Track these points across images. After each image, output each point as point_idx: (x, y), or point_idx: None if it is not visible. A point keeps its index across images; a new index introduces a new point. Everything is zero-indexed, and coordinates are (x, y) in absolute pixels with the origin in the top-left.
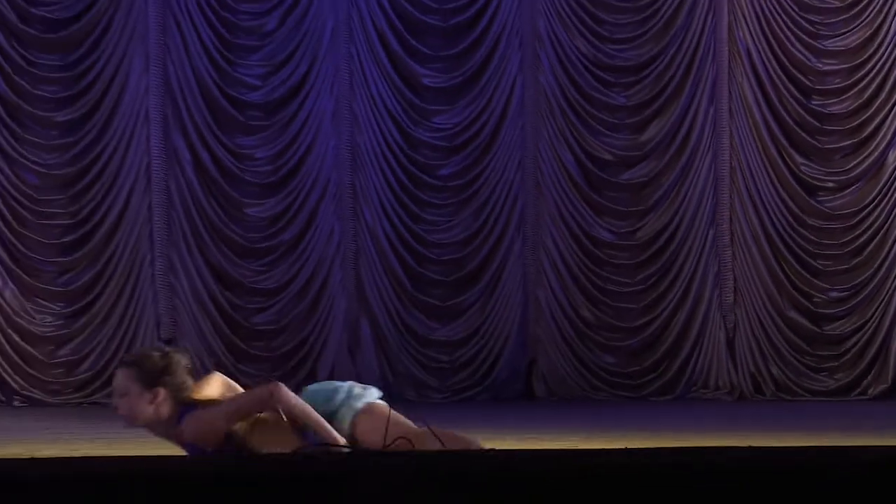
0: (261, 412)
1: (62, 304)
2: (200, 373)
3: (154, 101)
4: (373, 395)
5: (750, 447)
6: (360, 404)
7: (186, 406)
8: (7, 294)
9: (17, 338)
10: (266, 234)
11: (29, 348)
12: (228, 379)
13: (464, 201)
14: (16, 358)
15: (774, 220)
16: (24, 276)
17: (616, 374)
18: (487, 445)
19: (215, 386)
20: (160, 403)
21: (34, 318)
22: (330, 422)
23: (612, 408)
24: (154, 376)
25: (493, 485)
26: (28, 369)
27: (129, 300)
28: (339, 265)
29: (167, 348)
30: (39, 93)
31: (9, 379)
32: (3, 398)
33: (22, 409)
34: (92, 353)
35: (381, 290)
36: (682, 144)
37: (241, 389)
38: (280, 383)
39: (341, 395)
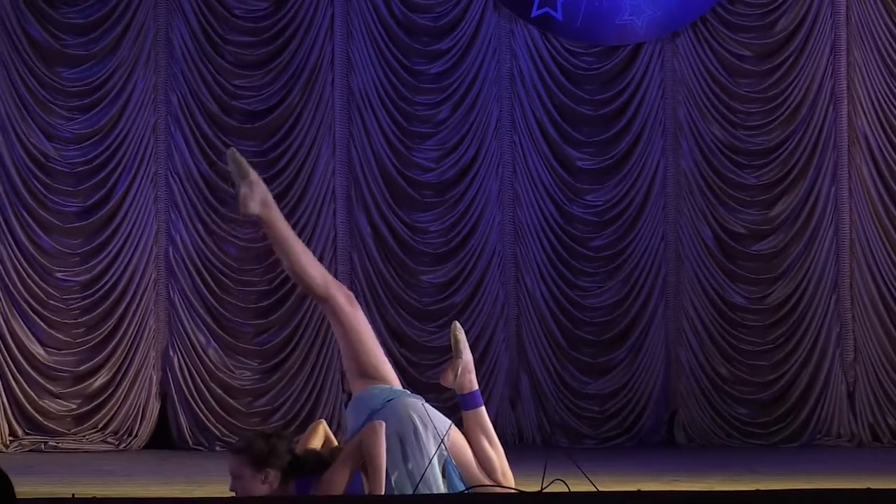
0: (365, 451)
1: (258, 361)
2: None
3: (339, 181)
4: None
5: (868, 489)
6: (448, 423)
7: (300, 479)
8: (210, 352)
9: (219, 391)
10: (438, 299)
11: (229, 400)
12: (328, 429)
13: (613, 270)
14: (218, 408)
15: (890, 286)
16: (225, 336)
17: (749, 423)
18: (635, 487)
19: (318, 437)
20: (271, 482)
21: (234, 373)
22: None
23: (744, 453)
24: (261, 459)
25: None
26: (228, 418)
27: (316, 357)
28: (502, 326)
29: (270, 432)
30: None
31: (212, 427)
32: (207, 444)
33: (223, 453)
34: (284, 404)
35: (540, 348)
36: (807, 219)
37: (333, 439)
38: (379, 427)
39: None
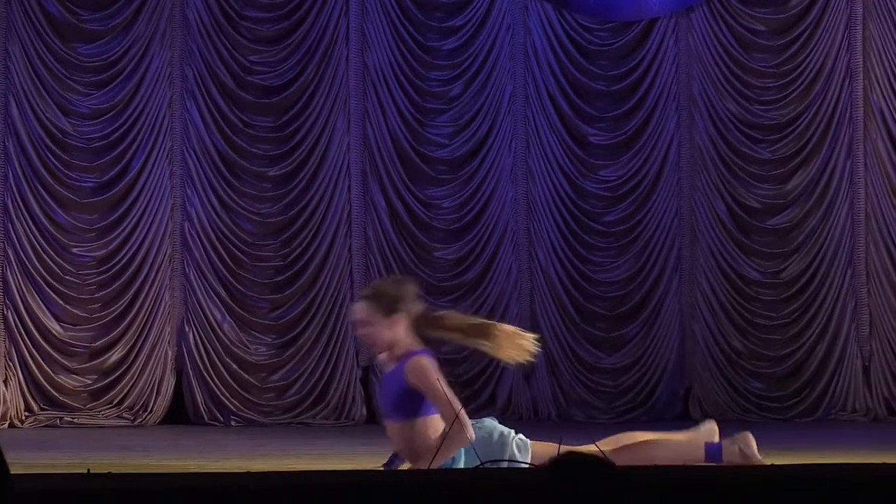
0: (440, 414)
1: (273, 336)
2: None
3: (354, 157)
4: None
5: (884, 463)
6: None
7: (418, 347)
8: (226, 327)
9: (234, 366)
10: (452, 274)
11: (244, 375)
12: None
13: (626, 245)
14: (233, 383)
15: None
16: (240, 311)
17: (764, 398)
18: (650, 462)
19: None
20: (400, 328)
21: (249, 348)
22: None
23: (760, 428)
24: (391, 304)
25: (654, 495)
26: (244, 394)
27: (331, 332)
28: (515, 301)
29: (399, 277)
30: (255, 150)
31: (227, 402)
32: (222, 419)
33: (238, 428)
34: (299, 379)
35: (553, 322)
36: (822, 194)
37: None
38: (467, 422)
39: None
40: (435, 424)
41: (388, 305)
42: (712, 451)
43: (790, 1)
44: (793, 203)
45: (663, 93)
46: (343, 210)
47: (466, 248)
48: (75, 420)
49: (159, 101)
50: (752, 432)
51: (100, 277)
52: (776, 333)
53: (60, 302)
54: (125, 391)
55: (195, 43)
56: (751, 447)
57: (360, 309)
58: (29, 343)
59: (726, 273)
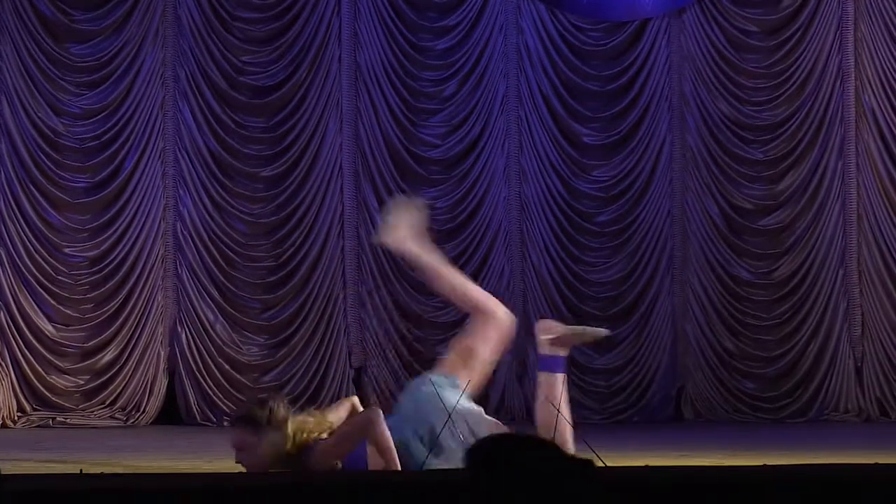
0: (363, 436)
1: (266, 337)
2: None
3: (346, 157)
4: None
5: (876, 464)
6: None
7: (306, 443)
8: (218, 328)
9: (227, 366)
10: None
11: (237, 375)
12: (357, 403)
13: (619, 245)
14: (225, 384)
15: None
16: (232, 311)
17: (756, 398)
18: (642, 462)
19: (341, 411)
20: (277, 448)
21: (241, 348)
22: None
23: (752, 428)
24: (263, 426)
25: (647, 495)
26: (236, 394)
27: (323, 333)
28: (508, 301)
29: (266, 397)
30: (247, 151)
31: (219, 402)
32: (215, 420)
33: (229, 428)
34: (292, 379)
35: None
36: (814, 194)
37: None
38: (378, 411)
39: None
40: (374, 456)
41: (258, 428)
42: (552, 365)
43: (782, 2)
44: (784, 203)
45: (655, 93)
46: (335, 210)
47: (459, 248)
48: (68, 420)
49: (151, 102)
50: (746, 433)
51: (92, 278)
52: (768, 334)
53: (53, 302)
54: (118, 391)
55: (187, 43)
56: (548, 330)
57: (233, 436)
58: (21, 343)
59: (718, 273)
